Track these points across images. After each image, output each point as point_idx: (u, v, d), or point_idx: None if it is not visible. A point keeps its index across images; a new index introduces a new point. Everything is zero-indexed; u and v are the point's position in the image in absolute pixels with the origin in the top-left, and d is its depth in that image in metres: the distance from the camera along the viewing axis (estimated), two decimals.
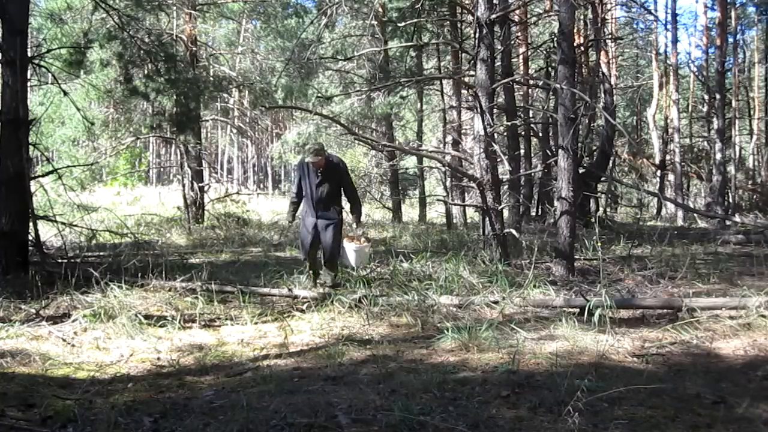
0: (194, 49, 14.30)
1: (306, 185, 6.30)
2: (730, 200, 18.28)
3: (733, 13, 20.59)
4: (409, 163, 19.24)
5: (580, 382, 3.06)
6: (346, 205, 6.60)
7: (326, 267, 6.45)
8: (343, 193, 6.37)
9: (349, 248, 6.34)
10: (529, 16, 14.08)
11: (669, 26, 20.32)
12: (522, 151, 13.18)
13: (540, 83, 13.70)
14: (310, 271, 6.51)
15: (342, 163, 6.49)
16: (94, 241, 7.99)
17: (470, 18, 9.22)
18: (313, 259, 6.46)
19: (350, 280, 6.36)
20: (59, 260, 6.56)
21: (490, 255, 7.15)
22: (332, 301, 5.58)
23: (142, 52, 10.25)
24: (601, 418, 2.86)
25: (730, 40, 20.26)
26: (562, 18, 6.83)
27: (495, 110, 9.85)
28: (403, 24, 11.51)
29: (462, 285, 5.95)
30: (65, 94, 8.46)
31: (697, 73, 22.15)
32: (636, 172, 20.31)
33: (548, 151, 12.59)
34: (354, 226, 6.48)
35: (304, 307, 5.57)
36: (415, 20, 10.89)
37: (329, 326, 4.99)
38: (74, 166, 11.69)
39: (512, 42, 12.80)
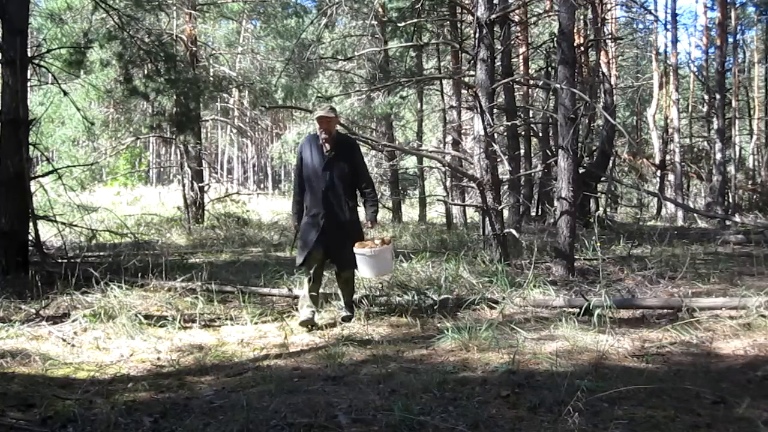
0: (194, 49, 14.31)
1: (310, 168, 4.90)
2: (730, 200, 18.28)
3: (733, 13, 20.58)
4: (409, 163, 19.24)
5: (580, 382, 3.06)
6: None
7: (340, 283, 5.11)
8: (356, 180, 5.04)
9: (364, 254, 4.85)
10: (529, 16, 14.09)
11: (669, 26, 20.35)
12: (522, 151, 13.19)
13: (540, 83, 13.70)
14: (309, 290, 4.97)
15: (356, 142, 5.26)
16: (94, 241, 7.99)
17: (470, 18, 9.22)
18: (317, 275, 5.00)
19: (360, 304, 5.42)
20: (59, 260, 6.56)
21: (490, 255, 7.15)
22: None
23: (142, 52, 10.25)
24: (601, 418, 2.86)
25: (730, 40, 20.25)
26: (562, 18, 6.83)
27: (495, 110, 9.85)
28: (403, 24, 11.52)
29: (462, 285, 5.94)
30: (65, 94, 8.47)
31: (697, 73, 22.16)
32: (636, 172, 20.32)
33: (548, 151, 12.60)
34: (369, 225, 5.16)
35: None
36: (415, 20, 10.90)
37: (329, 326, 4.99)
38: (74, 166, 11.70)
39: (512, 42, 12.81)
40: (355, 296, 5.47)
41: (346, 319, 5.02)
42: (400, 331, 4.83)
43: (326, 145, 4.85)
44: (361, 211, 5.23)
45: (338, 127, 5.27)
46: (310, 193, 4.92)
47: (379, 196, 17.99)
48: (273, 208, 19.75)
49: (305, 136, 5.14)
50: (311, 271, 4.91)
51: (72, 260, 6.53)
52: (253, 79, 16.93)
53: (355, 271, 5.04)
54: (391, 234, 11.55)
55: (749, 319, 4.57)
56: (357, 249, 4.83)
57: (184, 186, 14.17)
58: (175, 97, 11.72)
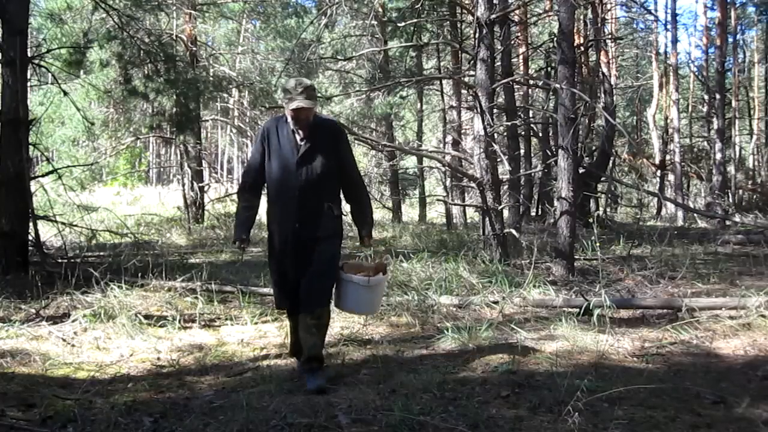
0: (194, 49, 14.31)
1: (278, 163, 3.51)
2: (730, 200, 18.27)
3: (733, 13, 20.57)
4: (409, 163, 19.24)
5: (580, 382, 3.06)
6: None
7: (304, 318, 3.51)
8: (341, 180, 3.63)
9: (353, 283, 3.53)
10: (529, 16, 14.08)
11: (669, 26, 20.33)
12: (522, 151, 13.19)
13: (540, 83, 13.70)
14: (293, 336, 3.76)
15: (341, 128, 3.84)
16: (94, 241, 7.99)
17: (470, 18, 9.23)
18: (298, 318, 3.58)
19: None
20: (59, 260, 6.57)
21: (490, 255, 7.15)
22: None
23: (141, 52, 10.27)
24: (601, 418, 2.86)
25: (730, 40, 20.24)
26: (562, 18, 6.83)
27: (495, 110, 9.85)
28: (403, 24, 11.52)
29: (462, 285, 5.94)
30: (65, 94, 8.46)
31: (697, 73, 22.15)
32: (636, 172, 20.29)
33: (548, 151, 12.60)
34: (363, 242, 3.73)
35: None
36: (415, 20, 10.90)
37: (329, 326, 4.98)
38: (74, 166, 11.71)
39: (512, 42, 12.80)
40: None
41: (321, 389, 3.35)
42: (400, 331, 4.83)
43: (300, 132, 3.51)
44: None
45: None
46: (276, 198, 3.56)
47: (379, 197, 18.10)
48: None
49: (268, 119, 3.75)
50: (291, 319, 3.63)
51: (72, 260, 6.54)
52: (253, 79, 16.93)
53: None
54: (390, 234, 11.53)
55: (749, 319, 4.57)
56: (348, 275, 3.54)
57: (184, 186, 14.18)
58: (174, 97, 11.72)
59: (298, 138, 3.52)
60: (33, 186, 6.54)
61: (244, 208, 3.68)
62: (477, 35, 7.44)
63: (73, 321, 4.74)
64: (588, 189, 12.10)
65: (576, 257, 7.18)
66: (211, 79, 14.63)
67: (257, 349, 4.38)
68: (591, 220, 10.52)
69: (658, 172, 20.83)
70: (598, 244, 6.51)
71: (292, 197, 3.48)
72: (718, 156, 16.93)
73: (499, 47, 9.58)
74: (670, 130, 20.36)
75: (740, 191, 19.66)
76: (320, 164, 3.50)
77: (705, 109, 20.35)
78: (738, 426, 2.80)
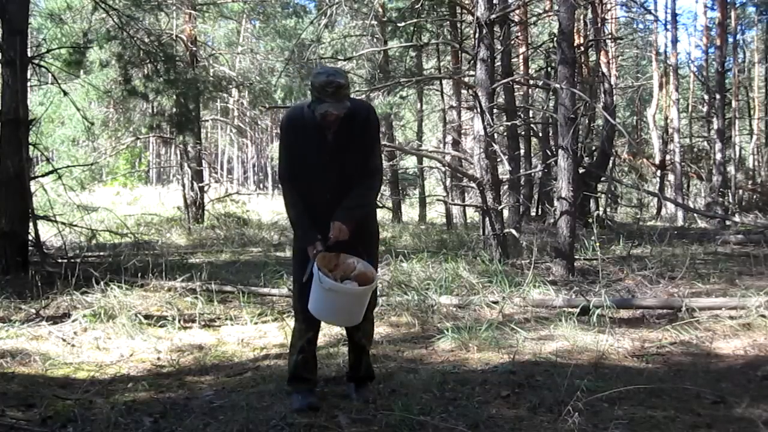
0: (194, 49, 14.31)
1: (302, 163, 3.02)
2: (730, 200, 18.27)
3: (733, 13, 20.57)
4: (409, 163, 19.23)
5: (580, 382, 3.06)
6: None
7: (353, 337, 3.22)
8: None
9: (324, 284, 2.77)
10: (529, 16, 14.08)
11: (669, 26, 20.33)
12: (522, 151, 13.19)
13: (540, 83, 13.70)
14: (307, 354, 3.16)
15: (373, 112, 3.10)
16: (94, 241, 7.99)
17: (470, 18, 9.23)
18: (314, 331, 3.16)
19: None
20: (59, 260, 6.57)
21: (490, 255, 7.15)
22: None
23: (141, 52, 10.27)
24: (601, 418, 2.86)
25: (730, 40, 20.25)
26: (562, 18, 6.83)
27: (495, 110, 9.86)
28: (403, 24, 11.52)
29: (462, 285, 5.94)
30: (65, 94, 8.47)
31: (697, 73, 22.17)
32: (636, 172, 20.29)
33: (548, 151, 12.60)
34: (332, 233, 2.90)
35: None
36: (415, 20, 10.90)
37: (329, 326, 4.98)
38: (74, 166, 11.70)
39: (512, 42, 12.81)
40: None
41: (369, 394, 3.21)
42: (400, 331, 4.83)
43: (331, 128, 2.96)
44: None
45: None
46: (306, 199, 3.04)
47: (379, 197, 17.92)
48: (273, 208, 19.76)
49: (289, 110, 3.26)
50: (312, 328, 3.13)
51: (72, 260, 6.54)
52: (252, 79, 16.94)
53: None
54: (390, 235, 11.51)
55: (749, 319, 4.57)
56: (317, 266, 2.80)
57: (184, 186, 14.17)
58: (174, 97, 11.73)
59: (328, 134, 2.97)
60: (33, 186, 6.54)
61: (301, 212, 3.02)
62: (477, 35, 7.45)
63: (73, 321, 4.74)
64: (588, 189, 12.11)
65: (576, 257, 7.18)
66: (210, 79, 14.63)
67: (257, 349, 4.38)
68: (591, 220, 10.52)
69: (658, 172, 20.83)
70: (598, 244, 6.51)
71: (323, 202, 2.98)
72: (718, 156, 16.93)
73: (499, 47, 9.58)
74: (670, 130, 20.37)
75: (740, 191, 19.64)
76: (353, 160, 2.99)
77: (705, 109, 20.36)
78: (738, 426, 2.80)
